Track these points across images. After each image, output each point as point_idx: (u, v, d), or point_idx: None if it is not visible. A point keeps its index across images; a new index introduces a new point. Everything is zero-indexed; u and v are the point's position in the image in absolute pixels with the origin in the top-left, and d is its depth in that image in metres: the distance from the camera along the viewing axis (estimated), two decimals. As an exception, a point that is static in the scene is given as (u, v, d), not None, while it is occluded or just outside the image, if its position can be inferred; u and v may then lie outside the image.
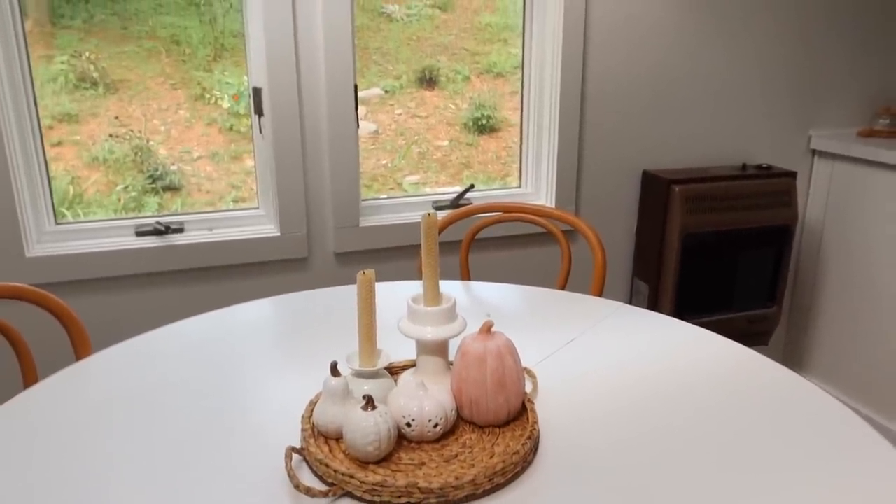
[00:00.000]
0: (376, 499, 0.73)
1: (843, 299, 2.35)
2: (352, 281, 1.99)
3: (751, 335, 2.32)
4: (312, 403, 0.87)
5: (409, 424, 0.80)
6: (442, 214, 1.87)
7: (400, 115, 2.04)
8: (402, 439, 0.82)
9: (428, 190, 2.11)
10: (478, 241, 2.10)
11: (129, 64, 1.77)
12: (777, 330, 2.57)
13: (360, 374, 0.86)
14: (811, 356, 2.50)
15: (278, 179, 1.86)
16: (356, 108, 1.90)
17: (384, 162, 2.06)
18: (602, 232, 2.24)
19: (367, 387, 0.85)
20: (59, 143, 1.76)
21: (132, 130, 1.81)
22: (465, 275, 1.67)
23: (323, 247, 1.97)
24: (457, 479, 0.73)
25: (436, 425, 0.80)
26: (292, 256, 1.92)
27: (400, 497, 0.73)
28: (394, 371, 0.97)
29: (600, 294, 1.49)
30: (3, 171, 1.64)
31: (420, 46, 2.01)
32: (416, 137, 2.07)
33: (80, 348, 1.21)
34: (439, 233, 1.68)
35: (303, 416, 0.85)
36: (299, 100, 1.84)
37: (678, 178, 2.10)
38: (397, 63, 2.00)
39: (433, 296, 0.89)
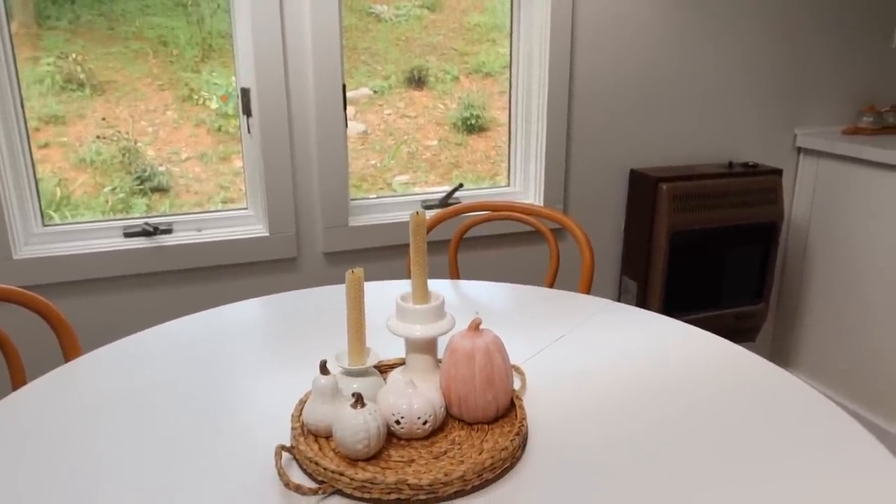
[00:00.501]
0: (366, 496, 0.74)
1: (829, 295, 2.37)
2: (341, 280, 1.99)
3: (738, 331, 2.34)
4: (302, 402, 0.88)
5: (398, 422, 0.80)
6: (431, 214, 1.88)
7: (389, 115, 2.05)
8: (391, 437, 0.82)
9: (417, 190, 2.11)
10: (466, 240, 2.11)
11: (116, 65, 1.76)
12: (764, 326, 2.59)
13: (349, 373, 0.87)
14: (798, 352, 2.53)
15: (267, 180, 1.86)
16: (345, 109, 1.90)
17: (373, 162, 2.06)
18: (590, 230, 2.25)
19: (357, 385, 0.86)
20: (45, 145, 1.75)
21: (119, 132, 1.80)
22: (454, 273, 1.68)
23: (312, 247, 1.97)
24: (446, 475, 0.74)
25: (425, 422, 0.81)
26: (281, 256, 1.92)
27: (390, 494, 0.73)
28: (383, 369, 0.97)
29: (588, 292, 1.50)
30: (-10, 173, 1.63)
31: (409, 46, 2.02)
32: (406, 137, 2.07)
33: (69, 350, 1.21)
34: (428, 232, 1.68)
35: (293, 415, 0.85)
36: (287, 100, 1.84)
37: (665, 177, 2.12)
38: (386, 63, 2.01)
39: (422, 294, 0.89)
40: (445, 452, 0.80)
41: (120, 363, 1.06)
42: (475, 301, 1.31)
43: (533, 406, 0.92)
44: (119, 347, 1.11)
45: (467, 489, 0.75)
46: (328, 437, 0.82)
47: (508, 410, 0.87)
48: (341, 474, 0.74)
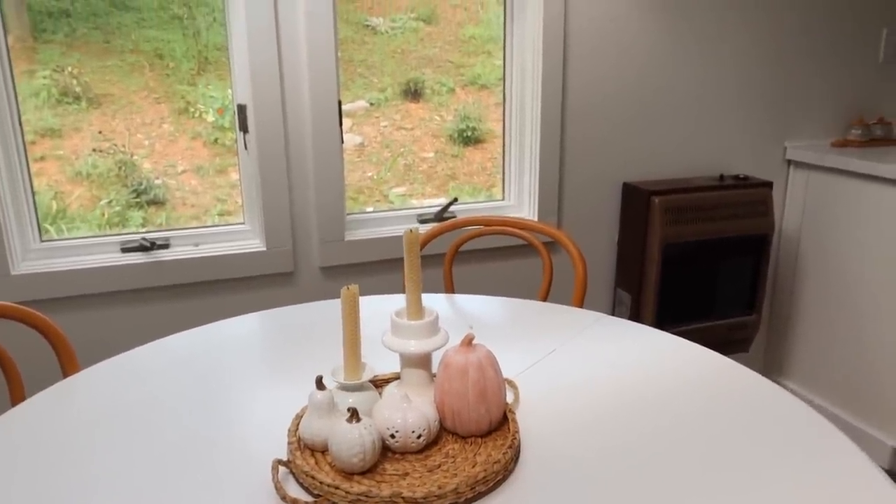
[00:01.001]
0: (361, 510, 0.75)
1: (821, 305, 2.39)
2: (337, 294, 2.00)
3: (731, 342, 2.36)
4: (298, 417, 0.89)
5: (393, 436, 0.82)
6: (426, 228, 1.89)
7: (385, 127, 2.07)
8: (386, 450, 0.83)
9: (414, 202, 2.13)
10: (461, 254, 2.13)
11: (112, 78, 1.77)
12: (757, 337, 2.61)
13: (344, 388, 0.88)
14: (791, 362, 2.54)
15: (264, 195, 1.87)
16: (340, 124, 1.92)
17: (370, 174, 2.07)
18: (584, 243, 2.27)
19: (352, 399, 0.87)
20: (41, 158, 1.76)
21: (116, 145, 1.81)
22: (449, 287, 1.69)
23: (308, 261, 1.98)
24: (440, 488, 0.75)
25: (419, 436, 0.82)
26: (278, 271, 1.94)
27: (384, 507, 0.75)
28: (378, 384, 0.98)
29: (581, 305, 1.52)
30: (-13, 188, 1.64)
31: (405, 59, 2.04)
32: (402, 149, 2.09)
33: (67, 365, 1.22)
34: (423, 247, 1.70)
35: (289, 430, 0.86)
36: (283, 116, 1.86)
37: (658, 190, 2.14)
38: (382, 75, 2.03)
39: (416, 310, 0.90)
40: (439, 466, 0.81)
41: (118, 378, 1.07)
42: (469, 315, 1.33)
43: (526, 419, 0.94)
44: (117, 363, 1.12)
45: (461, 502, 0.76)
46: (324, 451, 0.83)
47: (501, 424, 0.89)
48: (337, 488, 0.75)
